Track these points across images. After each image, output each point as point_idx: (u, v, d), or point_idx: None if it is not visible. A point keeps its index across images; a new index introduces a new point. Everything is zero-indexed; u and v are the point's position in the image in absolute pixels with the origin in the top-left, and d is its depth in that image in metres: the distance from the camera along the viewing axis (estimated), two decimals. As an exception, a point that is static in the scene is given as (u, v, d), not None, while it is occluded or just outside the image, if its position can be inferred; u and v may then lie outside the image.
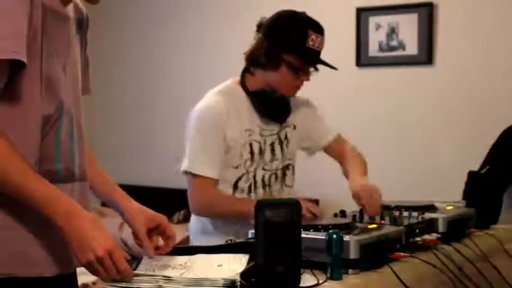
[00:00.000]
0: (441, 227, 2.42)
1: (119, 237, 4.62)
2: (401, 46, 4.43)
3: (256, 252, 1.69)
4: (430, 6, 4.33)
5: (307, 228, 1.98)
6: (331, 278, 1.84)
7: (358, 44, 4.56)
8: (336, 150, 2.85)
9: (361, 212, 2.43)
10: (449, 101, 4.31)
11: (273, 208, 1.68)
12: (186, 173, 2.60)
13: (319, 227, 2.03)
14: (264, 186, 2.66)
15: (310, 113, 2.83)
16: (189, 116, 2.64)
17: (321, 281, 1.78)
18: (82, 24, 1.71)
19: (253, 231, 1.77)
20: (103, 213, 4.83)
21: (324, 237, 1.86)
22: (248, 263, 1.76)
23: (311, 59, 2.59)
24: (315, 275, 1.80)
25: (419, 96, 4.41)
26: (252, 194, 2.64)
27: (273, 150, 2.69)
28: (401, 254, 2.09)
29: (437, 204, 2.65)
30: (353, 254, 1.91)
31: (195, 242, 2.69)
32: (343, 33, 4.56)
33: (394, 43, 4.45)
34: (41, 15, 1.50)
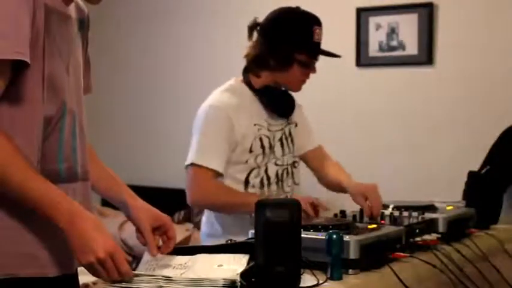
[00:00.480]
0: (441, 227, 2.43)
1: (118, 237, 4.63)
2: (401, 46, 4.43)
3: (256, 252, 1.69)
4: (430, 6, 4.33)
5: (307, 228, 1.98)
6: (331, 278, 1.84)
7: (358, 44, 4.56)
8: (315, 159, 2.85)
9: (361, 212, 2.43)
10: (449, 101, 4.31)
11: (273, 208, 1.68)
12: (189, 166, 2.57)
13: (319, 227, 2.03)
14: (277, 182, 2.67)
15: (302, 118, 2.84)
16: (197, 115, 2.64)
17: (321, 281, 1.78)
18: (83, 23, 1.72)
19: (253, 231, 1.77)
20: (103, 213, 4.84)
21: (324, 237, 1.86)
22: (248, 263, 1.76)
23: (318, 52, 2.63)
24: (315, 275, 1.80)
25: (419, 96, 4.41)
26: (265, 189, 2.64)
27: (282, 145, 2.70)
28: (401, 254, 2.09)
29: (437, 204, 2.66)
30: (353, 254, 1.91)
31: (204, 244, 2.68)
32: (343, 33, 4.56)
33: (394, 43, 4.45)
34: (44, 15, 1.50)
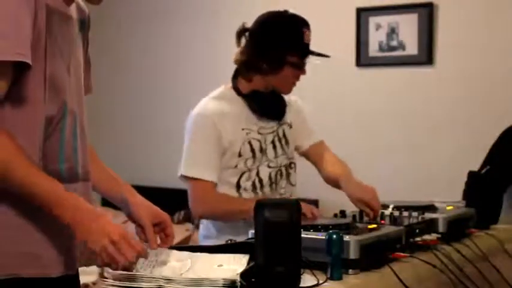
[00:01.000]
0: (441, 227, 2.43)
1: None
2: (401, 46, 4.43)
3: (256, 252, 1.69)
4: (430, 6, 4.32)
5: (307, 228, 1.98)
6: (331, 278, 1.84)
7: (358, 44, 4.56)
8: (316, 154, 2.85)
9: (361, 212, 2.43)
10: (449, 101, 4.31)
11: (273, 208, 1.68)
12: (184, 177, 2.62)
13: (319, 227, 2.03)
14: (270, 184, 2.67)
15: (300, 117, 2.84)
16: (187, 120, 2.67)
17: (321, 281, 1.78)
18: (84, 23, 1.72)
19: (253, 231, 1.77)
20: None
21: (324, 237, 1.86)
22: (248, 263, 1.76)
23: (308, 54, 2.64)
24: (315, 275, 1.80)
25: (419, 96, 4.41)
26: (259, 192, 2.65)
27: (274, 147, 2.70)
28: (401, 254, 2.09)
29: (437, 204, 2.65)
30: (353, 254, 1.91)
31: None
32: (343, 33, 4.56)
33: (394, 43, 4.45)
34: (45, 16, 1.50)
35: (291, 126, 2.76)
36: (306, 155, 2.87)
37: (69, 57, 1.60)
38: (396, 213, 2.39)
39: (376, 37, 4.50)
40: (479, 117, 4.20)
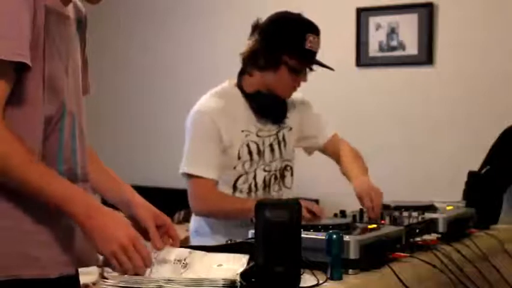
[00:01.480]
0: (441, 227, 2.43)
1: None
2: (402, 46, 4.43)
3: (256, 252, 1.69)
4: (430, 6, 4.32)
5: (307, 228, 1.98)
6: (331, 278, 1.84)
7: (358, 44, 4.56)
8: (333, 149, 2.86)
9: (361, 212, 2.44)
10: (449, 101, 4.31)
11: (273, 208, 1.68)
12: (185, 175, 2.61)
13: (319, 227, 2.03)
14: (264, 187, 2.68)
15: (306, 112, 2.83)
16: (187, 117, 2.66)
17: (321, 281, 1.78)
18: (81, 23, 1.71)
19: (253, 231, 1.77)
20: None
21: (324, 237, 1.86)
22: (248, 263, 1.76)
23: (309, 60, 2.61)
24: (315, 275, 1.80)
25: (419, 96, 4.41)
26: (252, 195, 2.65)
27: (272, 151, 2.69)
28: (402, 254, 2.09)
29: (437, 204, 2.66)
30: (353, 254, 1.91)
31: (193, 243, 2.69)
32: (343, 33, 4.56)
33: (394, 43, 4.45)
34: (44, 16, 1.50)
35: (290, 129, 2.76)
36: (322, 151, 2.89)
37: (67, 57, 1.59)
38: (396, 213, 2.39)
39: (376, 37, 4.50)
40: (479, 117, 4.20)
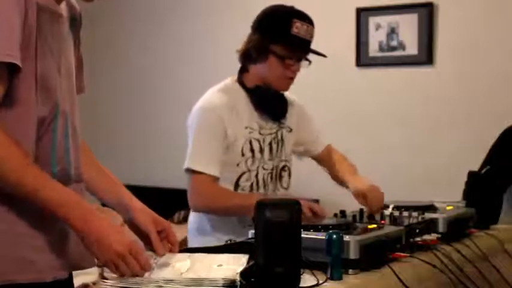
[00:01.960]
0: (441, 227, 2.42)
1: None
2: (402, 46, 4.43)
3: (256, 252, 1.69)
4: (430, 6, 4.32)
5: (307, 228, 1.98)
6: (331, 278, 1.84)
7: (358, 44, 4.56)
8: (326, 159, 2.91)
9: (361, 212, 2.43)
10: (449, 101, 4.31)
11: (273, 208, 1.68)
12: (187, 171, 2.60)
13: (319, 227, 2.03)
14: (264, 186, 2.68)
15: (305, 120, 2.85)
16: (190, 115, 2.65)
17: (321, 281, 1.78)
18: (75, 21, 1.68)
19: (253, 231, 1.77)
20: (103, 212, 4.83)
21: (324, 237, 1.86)
22: (248, 263, 1.76)
23: (297, 46, 2.59)
24: (315, 275, 1.80)
25: (419, 96, 4.41)
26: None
27: (271, 150, 2.70)
28: (402, 254, 2.09)
29: (437, 204, 2.65)
30: (353, 254, 1.91)
31: (192, 240, 2.69)
32: (343, 33, 4.56)
33: (394, 43, 4.45)
34: (36, 14, 1.47)
35: (290, 130, 2.75)
36: (316, 159, 2.91)
37: (60, 56, 1.56)
38: (396, 213, 2.38)
39: (376, 37, 4.50)
40: (479, 117, 4.20)
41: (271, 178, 2.71)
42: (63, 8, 1.60)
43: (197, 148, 2.59)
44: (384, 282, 1.95)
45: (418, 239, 2.27)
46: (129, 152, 5.57)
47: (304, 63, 2.65)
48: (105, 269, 1.66)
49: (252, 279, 1.66)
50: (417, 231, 2.28)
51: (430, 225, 2.38)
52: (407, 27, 4.39)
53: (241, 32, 2.71)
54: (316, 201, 4.26)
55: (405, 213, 2.37)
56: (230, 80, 2.69)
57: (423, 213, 2.42)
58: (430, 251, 2.24)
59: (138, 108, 5.56)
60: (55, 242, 1.51)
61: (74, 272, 1.64)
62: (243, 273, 1.66)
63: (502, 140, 3.38)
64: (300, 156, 2.92)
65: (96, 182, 1.77)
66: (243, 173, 2.63)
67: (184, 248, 2.03)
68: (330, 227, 2.02)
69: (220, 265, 1.76)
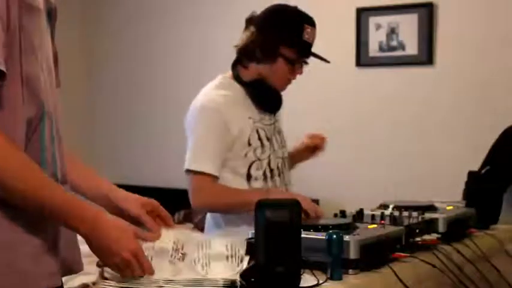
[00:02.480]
0: (441, 227, 2.42)
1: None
2: (401, 46, 4.43)
3: (256, 252, 1.69)
4: (430, 6, 4.33)
5: (307, 228, 1.98)
6: (331, 278, 1.84)
7: (358, 44, 4.56)
8: None
9: (361, 212, 2.43)
10: (449, 101, 4.31)
11: (273, 208, 1.68)
12: (188, 171, 2.60)
13: (319, 227, 2.03)
14: (279, 173, 2.68)
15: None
16: (188, 113, 2.65)
17: (321, 281, 1.78)
18: (51, 14, 1.60)
19: (253, 231, 1.77)
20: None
21: (324, 237, 1.86)
22: (248, 263, 1.76)
23: (306, 51, 2.62)
24: (315, 275, 1.80)
25: (419, 96, 4.41)
26: (269, 182, 2.65)
27: (276, 139, 2.71)
28: (402, 254, 2.09)
29: (437, 204, 2.65)
30: (353, 254, 1.91)
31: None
32: (343, 33, 4.56)
33: (394, 43, 4.45)
34: (18, 11, 1.41)
35: (280, 131, 2.77)
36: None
37: (41, 52, 1.49)
38: (396, 213, 2.39)
39: (376, 37, 4.50)
40: (479, 117, 4.20)
41: (285, 165, 2.72)
42: (40, 1, 1.51)
43: (198, 147, 2.58)
44: (384, 282, 1.95)
45: (418, 239, 2.27)
46: (129, 152, 5.57)
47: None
48: (105, 269, 1.66)
49: (252, 279, 1.66)
50: (417, 231, 2.28)
51: (430, 225, 2.38)
52: (407, 27, 4.39)
53: (237, 35, 2.71)
54: (316, 201, 4.26)
55: (405, 213, 2.37)
56: (222, 76, 2.69)
57: (423, 213, 2.42)
58: (430, 251, 2.24)
59: (138, 108, 5.56)
60: (47, 249, 1.47)
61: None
62: (243, 274, 1.66)
63: (502, 140, 3.39)
64: None
65: (79, 179, 1.73)
66: (253, 163, 2.61)
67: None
68: (330, 227, 2.02)
69: (218, 260, 1.76)
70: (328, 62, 2.65)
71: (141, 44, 5.51)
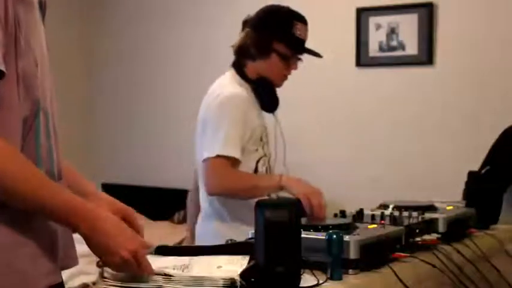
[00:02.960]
0: (441, 227, 2.42)
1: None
2: (401, 46, 4.43)
3: (256, 252, 1.69)
4: (430, 6, 4.33)
5: (307, 228, 1.98)
6: (331, 278, 1.84)
7: (358, 44, 4.56)
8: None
9: (361, 212, 2.43)
10: (449, 101, 4.31)
11: (273, 208, 1.68)
12: (207, 159, 2.58)
13: (319, 227, 2.03)
14: (270, 171, 2.76)
15: None
16: (209, 106, 2.65)
17: (321, 281, 1.78)
18: (41, 7, 1.57)
19: (253, 231, 1.77)
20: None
21: (324, 237, 1.86)
22: (248, 263, 1.76)
23: (298, 47, 2.68)
24: (315, 275, 1.80)
25: (419, 96, 4.41)
26: None
27: (266, 137, 2.79)
28: (402, 254, 2.09)
29: (437, 204, 2.65)
30: (353, 254, 1.91)
31: (203, 226, 2.74)
32: (343, 33, 4.57)
33: (394, 43, 4.45)
34: (15, 9, 1.40)
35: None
36: None
37: (36, 48, 1.48)
38: (396, 213, 2.38)
39: (376, 37, 4.50)
40: (479, 117, 4.20)
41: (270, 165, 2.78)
42: None
43: (230, 135, 2.59)
44: (384, 282, 1.95)
45: (418, 239, 2.27)
46: (129, 152, 5.57)
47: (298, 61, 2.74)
48: (105, 269, 1.66)
49: (252, 279, 1.66)
50: (417, 231, 2.28)
51: (430, 225, 2.38)
52: (407, 27, 4.39)
53: (237, 36, 2.73)
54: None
55: (405, 213, 2.37)
56: (231, 73, 2.74)
57: (423, 213, 2.42)
58: (430, 251, 2.24)
59: (138, 108, 5.56)
60: (46, 248, 1.47)
61: (73, 272, 1.64)
62: (243, 274, 1.66)
63: (502, 140, 3.38)
64: None
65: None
66: (260, 158, 2.70)
67: (184, 245, 2.03)
68: (330, 227, 2.02)
69: (220, 266, 1.76)
70: (321, 56, 2.72)
71: (141, 44, 5.51)
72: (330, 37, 4.30)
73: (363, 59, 4.56)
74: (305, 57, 2.73)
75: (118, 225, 1.54)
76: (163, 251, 1.87)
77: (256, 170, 2.68)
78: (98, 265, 1.65)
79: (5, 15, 1.38)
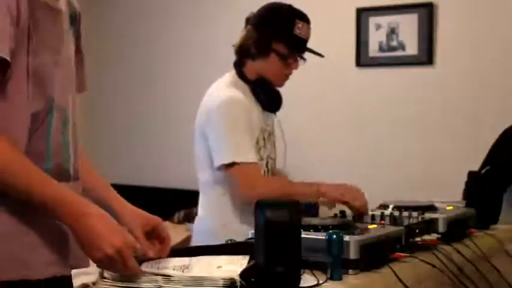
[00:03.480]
0: (441, 227, 2.43)
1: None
2: (402, 46, 4.43)
3: (256, 252, 1.69)
4: (430, 6, 4.32)
5: (307, 228, 1.98)
6: (331, 278, 1.84)
7: (358, 44, 4.55)
8: None
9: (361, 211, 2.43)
10: (449, 101, 4.31)
11: (273, 208, 1.68)
12: (229, 165, 2.54)
13: (319, 227, 2.03)
14: (270, 174, 2.72)
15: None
16: (210, 111, 2.61)
17: (321, 281, 1.78)
18: (75, 18, 1.67)
19: (253, 231, 1.77)
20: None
21: (324, 237, 1.86)
22: (248, 263, 1.76)
23: (298, 46, 2.65)
24: (315, 275, 1.80)
25: (419, 97, 4.41)
26: None
27: (270, 139, 2.74)
28: (402, 254, 2.09)
29: (437, 204, 2.65)
30: (353, 254, 1.91)
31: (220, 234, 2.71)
32: (343, 33, 4.56)
33: (394, 43, 4.45)
34: (30, 9, 1.46)
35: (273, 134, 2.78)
36: None
37: (58, 51, 1.55)
38: (396, 213, 2.39)
39: (376, 37, 4.50)
40: (479, 117, 4.20)
41: (274, 166, 2.75)
42: (62, 4, 1.58)
43: (238, 140, 2.56)
44: (383, 282, 1.95)
45: (418, 239, 2.27)
46: (129, 152, 5.57)
47: (300, 61, 2.70)
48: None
49: (252, 279, 1.66)
50: (417, 231, 2.29)
51: (430, 225, 2.38)
52: (407, 27, 4.38)
53: (238, 35, 2.72)
54: (317, 201, 4.26)
55: (405, 213, 2.37)
56: (230, 74, 2.71)
57: (423, 213, 2.42)
58: (430, 251, 2.24)
59: (138, 108, 5.56)
60: (50, 238, 1.50)
61: (73, 272, 1.64)
62: (243, 274, 1.66)
63: (502, 140, 3.38)
64: None
65: (87, 185, 1.75)
66: (260, 161, 2.65)
67: (183, 247, 2.03)
68: (330, 227, 2.02)
69: (220, 266, 1.76)
70: (322, 56, 2.68)
71: (141, 44, 5.51)
72: (330, 37, 4.29)
73: (363, 59, 4.56)
74: (305, 57, 2.71)
75: (106, 223, 1.53)
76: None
77: None
78: (98, 265, 1.65)
79: (17, 13, 1.44)
